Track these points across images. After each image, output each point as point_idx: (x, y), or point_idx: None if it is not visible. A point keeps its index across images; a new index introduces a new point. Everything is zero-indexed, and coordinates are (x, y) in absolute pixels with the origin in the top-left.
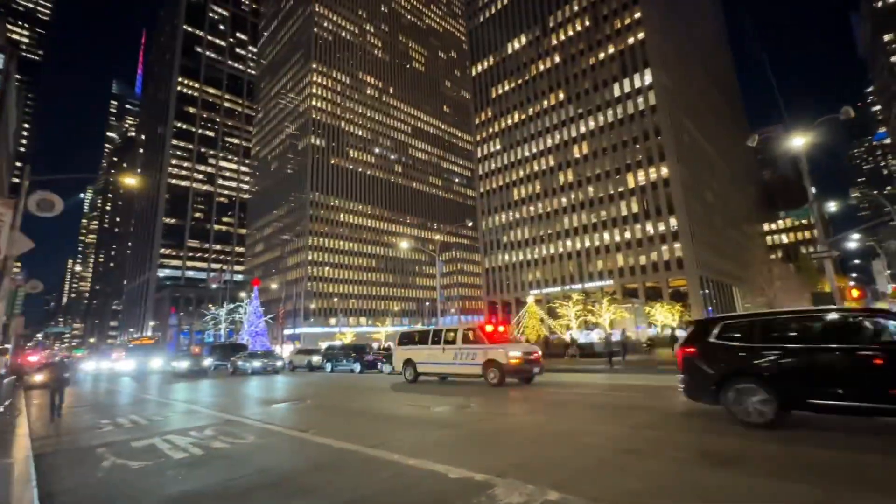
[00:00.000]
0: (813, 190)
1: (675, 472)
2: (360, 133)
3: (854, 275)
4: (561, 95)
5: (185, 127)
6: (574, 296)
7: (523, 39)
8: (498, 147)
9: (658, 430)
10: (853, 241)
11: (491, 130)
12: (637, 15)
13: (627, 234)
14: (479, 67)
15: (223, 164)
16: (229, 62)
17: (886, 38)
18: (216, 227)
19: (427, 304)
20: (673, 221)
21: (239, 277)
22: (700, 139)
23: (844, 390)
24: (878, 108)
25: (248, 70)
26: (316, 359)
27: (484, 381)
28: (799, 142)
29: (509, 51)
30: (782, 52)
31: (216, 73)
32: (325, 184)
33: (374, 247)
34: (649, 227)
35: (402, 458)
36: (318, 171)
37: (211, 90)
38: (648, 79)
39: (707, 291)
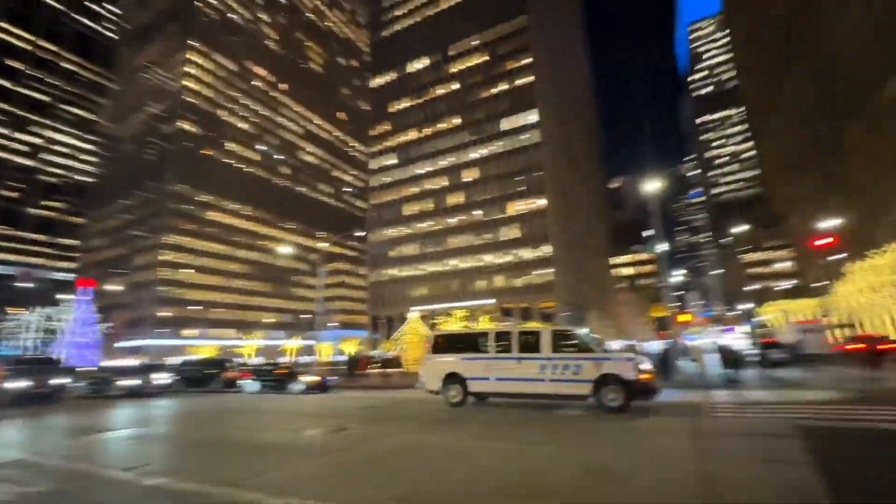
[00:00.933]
0: (651, 231)
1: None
2: (242, 126)
3: (677, 304)
4: (456, 120)
5: (3, 83)
6: (456, 313)
7: (426, 61)
8: (393, 161)
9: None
10: (677, 276)
11: (386, 144)
12: (528, 60)
13: (508, 258)
14: (380, 80)
15: (56, 136)
16: (78, 16)
17: (698, 120)
18: (38, 211)
19: (305, 316)
20: (546, 249)
21: (67, 275)
22: (572, 177)
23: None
24: (694, 172)
25: (105, 32)
26: (160, 377)
27: (590, 404)
28: (652, 188)
29: (410, 69)
30: (633, 113)
31: (57, 26)
32: (194, 176)
33: (247, 251)
34: (526, 253)
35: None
36: (185, 160)
37: (47, 45)
38: (534, 118)
39: (570, 314)
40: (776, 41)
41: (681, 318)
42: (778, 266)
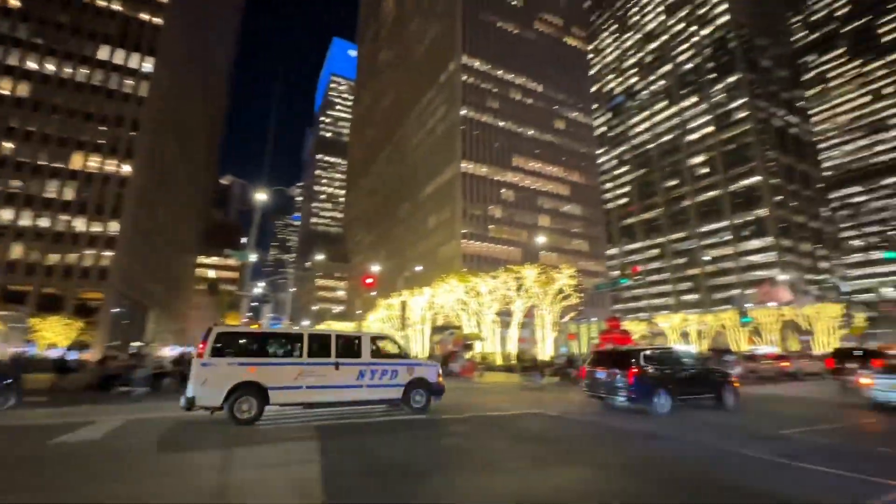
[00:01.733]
0: (247, 239)
1: None
2: None
3: (249, 314)
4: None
5: None
6: None
7: None
8: None
9: None
10: (258, 288)
11: None
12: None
13: (44, 222)
14: None
15: None
16: None
17: (317, 156)
18: None
19: None
20: (113, 225)
21: None
22: (174, 156)
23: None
24: (300, 197)
25: None
26: None
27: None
28: (260, 198)
29: None
30: (263, 123)
31: None
32: None
33: None
34: (79, 224)
35: None
36: None
37: None
38: (148, 66)
39: (122, 310)
40: (377, 126)
41: (253, 327)
42: (339, 293)
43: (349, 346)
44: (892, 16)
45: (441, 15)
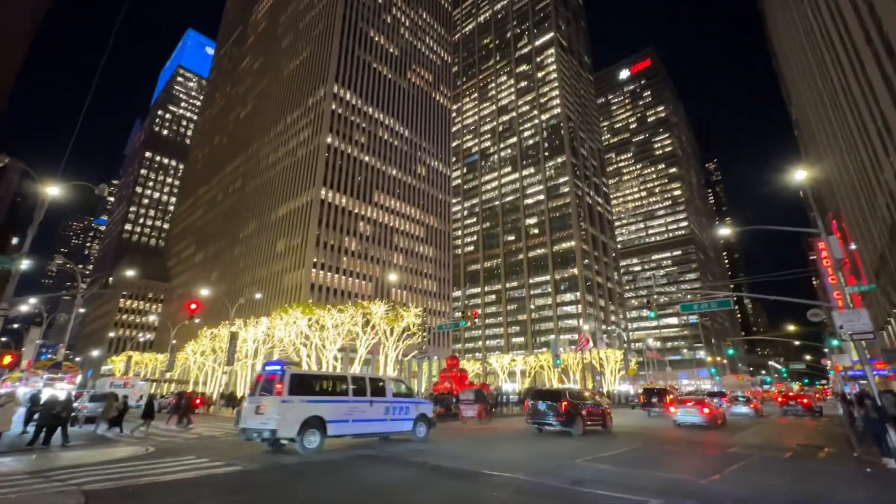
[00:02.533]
0: (16, 240)
1: None
2: None
3: (4, 339)
4: None
5: None
6: None
7: None
8: None
9: None
10: (27, 305)
11: None
12: None
13: None
14: None
15: None
16: None
17: (148, 153)
18: None
19: None
20: None
21: None
22: None
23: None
24: (112, 198)
25: None
26: None
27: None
28: (54, 191)
29: None
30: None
31: None
32: None
33: None
34: None
35: None
36: None
37: None
38: None
39: None
40: (229, 134)
41: (6, 358)
42: (150, 318)
43: (377, 387)
44: (663, 136)
45: (318, 40)
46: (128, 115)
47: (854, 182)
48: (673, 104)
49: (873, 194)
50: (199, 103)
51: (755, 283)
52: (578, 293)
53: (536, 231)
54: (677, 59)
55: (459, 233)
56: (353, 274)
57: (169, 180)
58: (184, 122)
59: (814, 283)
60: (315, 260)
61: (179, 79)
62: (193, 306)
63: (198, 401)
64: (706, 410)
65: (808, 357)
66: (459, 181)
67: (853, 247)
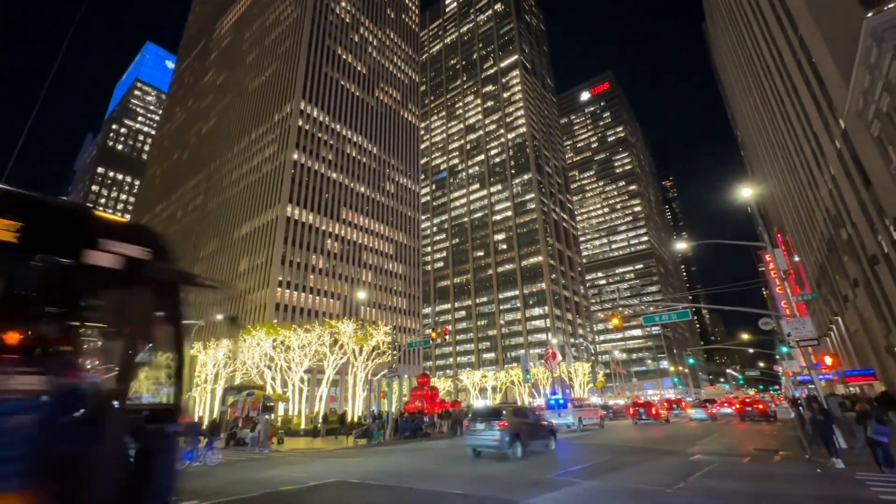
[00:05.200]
0: None
1: None
2: None
3: None
4: None
5: None
6: None
7: None
8: None
9: None
10: None
11: None
12: None
13: None
14: None
15: None
16: None
17: (100, 169)
18: None
19: None
20: None
21: None
22: None
23: None
24: None
25: None
26: None
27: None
28: None
29: None
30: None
31: None
32: None
33: None
34: None
35: None
36: None
37: None
38: None
39: None
40: (190, 150)
41: None
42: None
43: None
44: (623, 155)
45: (284, 56)
46: (78, 130)
47: (794, 199)
48: (631, 125)
49: (811, 210)
50: (157, 118)
51: (712, 294)
52: (547, 307)
53: (505, 247)
54: (634, 83)
55: (429, 249)
56: (320, 292)
57: (123, 197)
58: (140, 137)
59: (764, 293)
60: (280, 278)
61: (137, 92)
62: None
63: None
64: (653, 411)
65: (761, 364)
66: (428, 198)
67: (797, 259)
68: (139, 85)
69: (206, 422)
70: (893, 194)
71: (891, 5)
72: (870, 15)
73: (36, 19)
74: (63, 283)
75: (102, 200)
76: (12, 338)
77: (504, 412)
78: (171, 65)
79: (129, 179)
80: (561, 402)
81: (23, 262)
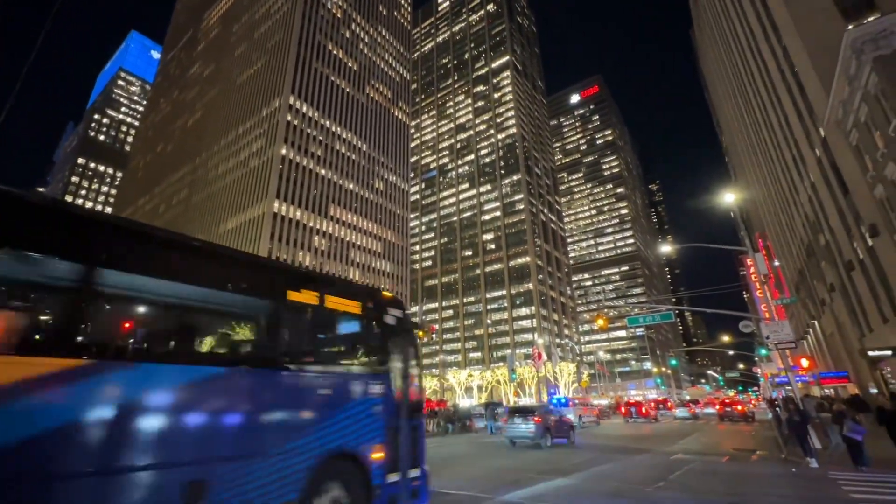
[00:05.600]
0: None
1: None
2: None
3: None
4: None
5: None
6: None
7: None
8: None
9: None
10: None
11: None
12: None
13: None
14: None
15: None
16: None
17: (80, 160)
18: None
19: None
20: None
21: None
22: None
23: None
24: None
25: None
26: None
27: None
28: None
29: None
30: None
31: None
32: None
33: None
34: None
35: None
36: None
37: None
38: None
39: None
40: (175, 142)
41: None
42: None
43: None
44: (611, 158)
45: (273, 50)
46: (59, 119)
47: (776, 205)
48: (619, 128)
49: (792, 216)
50: (141, 108)
51: (694, 296)
52: (533, 307)
53: (493, 246)
54: (622, 88)
55: (417, 248)
56: None
57: (105, 189)
58: (123, 128)
59: (745, 296)
60: None
61: (121, 82)
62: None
63: None
64: (643, 410)
65: (741, 366)
66: (417, 196)
67: (777, 263)
68: (123, 74)
69: None
70: (870, 202)
71: (870, 19)
72: (850, 28)
73: (16, 2)
74: (383, 336)
75: (83, 192)
76: (372, 369)
77: (536, 410)
78: (156, 55)
79: (110, 171)
80: (563, 400)
81: (369, 327)
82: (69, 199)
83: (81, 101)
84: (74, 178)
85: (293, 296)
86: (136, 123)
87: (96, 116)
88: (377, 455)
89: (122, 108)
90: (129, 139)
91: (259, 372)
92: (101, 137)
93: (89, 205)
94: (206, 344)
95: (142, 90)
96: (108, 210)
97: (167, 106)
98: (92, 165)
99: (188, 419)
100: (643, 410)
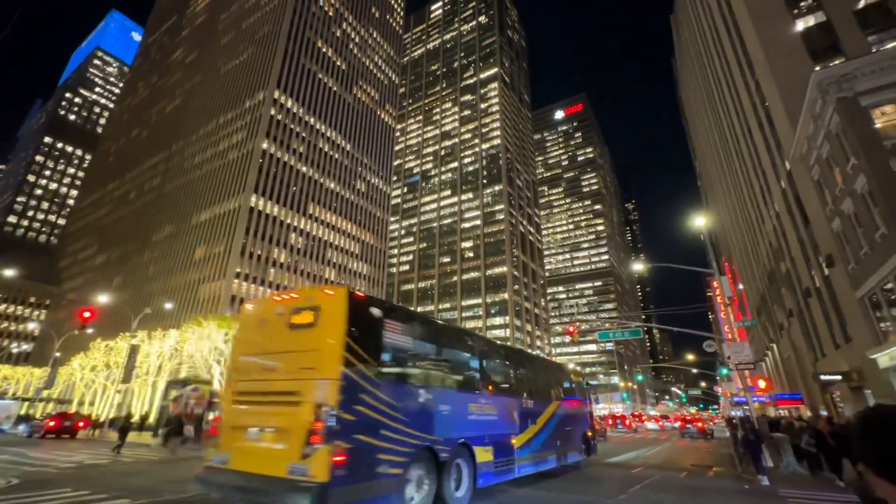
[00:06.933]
0: None
1: None
2: None
3: None
4: None
5: None
6: None
7: None
8: None
9: None
10: None
11: None
12: None
13: None
14: None
15: None
16: None
17: (48, 139)
18: None
19: None
20: None
21: None
22: None
23: None
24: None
25: None
26: None
27: None
28: None
29: None
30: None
31: None
32: None
33: None
34: None
35: None
36: None
37: None
38: None
39: None
40: (151, 128)
41: None
42: (30, 326)
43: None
44: (591, 175)
45: (261, 42)
46: (25, 94)
47: (743, 231)
48: (600, 147)
49: (757, 243)
50: (117, 90)
51: (663, 314)
52: (508, 317)
53: (471, 255)
54: (605, 108)
55: (395, 251)
56: (280, 287)
57: (71, 171)
58: (97, 109)
59: (710, 317)
60: (238, 270)
61: (97, 62)
62: (87, 314)
63: (81, 423)
64: (627, 422)
65: (703, 384)
66: (399, 200)
67: (741, 287)
68: (100, 54)
69: (135, 416)
70: (828, 234)
71: (836, 62)
72: (817, 69)
73: None
74: (581, 389)
75: (47, 172)
76: (583, 401)
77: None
78: (137, 37)
79: (79, 153)
80: None
81: (580, 384)
82: (31, 178)
83: (52, 78)
84: (39, 158)
85: (573, 377)
86: (111, 105)
87: (68, 95)
88: (591, 433)
89: (97, 89)
90: (102, 121)
91: (566, 401)
92: (72, 117)
93: (53, 186)
94: (553, 392)
95: (119, 72)
96: (74, 193)
97: (145, 90)
98: (59, 145)
99: (558, 422)
100: (626, 423)
